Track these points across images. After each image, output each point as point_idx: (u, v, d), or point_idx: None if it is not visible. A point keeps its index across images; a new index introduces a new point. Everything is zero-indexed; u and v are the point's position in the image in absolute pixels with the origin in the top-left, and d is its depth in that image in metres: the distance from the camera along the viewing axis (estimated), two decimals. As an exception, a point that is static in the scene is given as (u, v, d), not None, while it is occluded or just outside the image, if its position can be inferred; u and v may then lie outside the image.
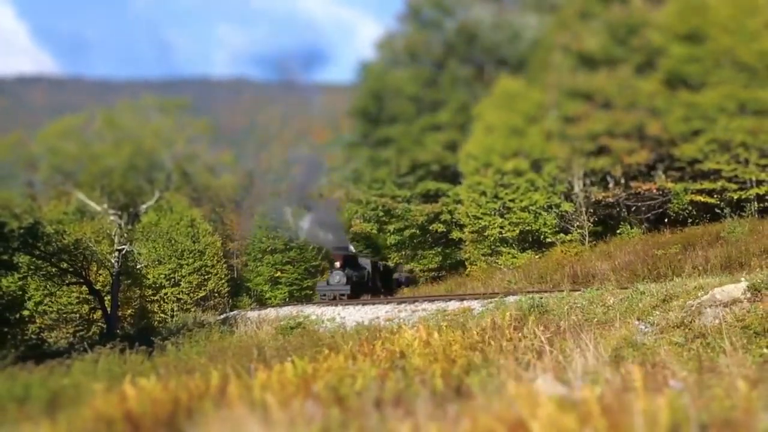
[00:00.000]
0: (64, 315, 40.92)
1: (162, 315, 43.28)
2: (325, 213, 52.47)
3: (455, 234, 36.04)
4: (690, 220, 28.20)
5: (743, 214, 26.13)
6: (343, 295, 38.21)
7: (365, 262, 43.41)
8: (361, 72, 40.97)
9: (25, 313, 30.97)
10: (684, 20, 25.92)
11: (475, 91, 34.29)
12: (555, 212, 30.42)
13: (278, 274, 50.48)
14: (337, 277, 39.75)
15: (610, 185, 30.46)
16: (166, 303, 44.75)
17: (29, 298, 36.28)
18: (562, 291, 13.92)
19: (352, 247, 47.30)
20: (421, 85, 37.01)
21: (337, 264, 40.12)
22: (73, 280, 35.32)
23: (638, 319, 8.95)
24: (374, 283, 44.13)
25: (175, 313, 42.07)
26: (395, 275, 45.91)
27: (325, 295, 39.11)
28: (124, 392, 5.69)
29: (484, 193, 31.17)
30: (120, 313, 37.48)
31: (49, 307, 39.44)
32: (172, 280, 44.99)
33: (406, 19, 38.59)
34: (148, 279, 43.22)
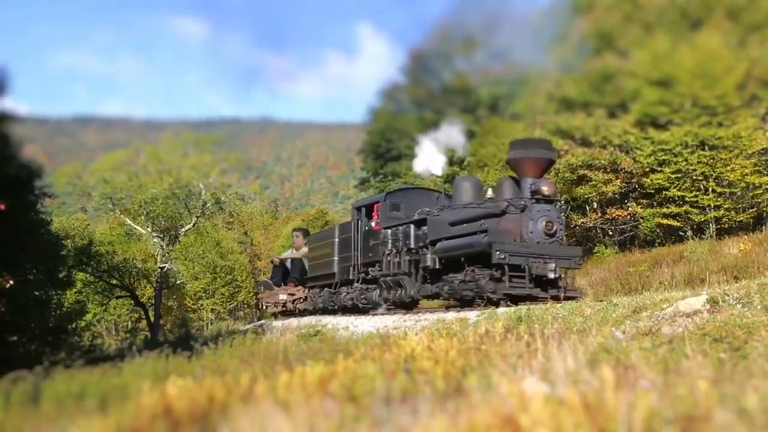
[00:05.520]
0: (114, 324, 41.12)
1: (200, 322, 43.41)
2: None
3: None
4: (657, 241, 28.19)
5: (703, 236, 26.11)
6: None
7: None
8: (370, 114, 41.29)
9: (82, 324, 31.09)
10: (657, 68, 26.09)
11: (469, 129, 34.47)
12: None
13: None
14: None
15: (588, 211, 30.51)
16: (203, 312, 44.94)
17: (87, 311, 36.48)
18: (546, 303, 13.88)
19: None
20: (424, 127, 37.13)
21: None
22: (122, 293, 35.46)
23: (612, 328, 8.92)
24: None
25: (210, 321, 42.21)
26: None
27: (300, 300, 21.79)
28: (165, 390, 5.71)
29: (478, 218, 31.21)
30: (161, 322, 37.55)
31: (103, 317, 39.66)
32: (208, 292, 45.17)
33: (409, 71, 38.78)
34: (189, 291, 43.41)
